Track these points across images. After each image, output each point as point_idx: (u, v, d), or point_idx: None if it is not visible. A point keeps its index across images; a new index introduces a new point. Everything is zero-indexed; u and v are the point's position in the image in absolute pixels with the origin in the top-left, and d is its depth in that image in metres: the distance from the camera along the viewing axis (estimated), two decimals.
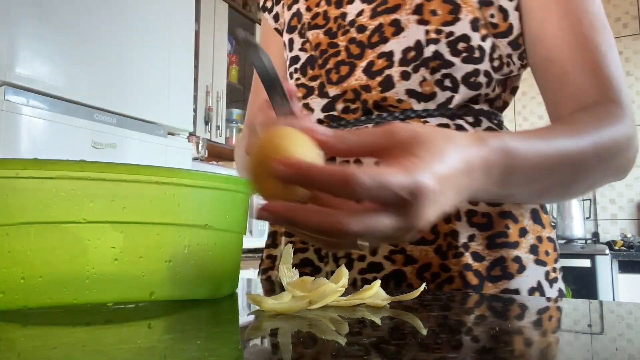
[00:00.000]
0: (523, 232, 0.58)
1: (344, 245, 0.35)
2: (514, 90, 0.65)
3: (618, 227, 3.30)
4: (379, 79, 0.59)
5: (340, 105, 0.62)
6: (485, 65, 0.58)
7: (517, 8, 0.58)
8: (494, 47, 0.59)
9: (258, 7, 3.15)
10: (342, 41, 0.63)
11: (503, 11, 0.58)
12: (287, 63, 0.70)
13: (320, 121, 0.65)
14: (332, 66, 0.63)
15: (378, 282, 0.43)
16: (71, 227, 0.37)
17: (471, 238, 0.56)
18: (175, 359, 0.25)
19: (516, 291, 0.55)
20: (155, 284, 0.40)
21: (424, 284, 0.46)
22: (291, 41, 0.69)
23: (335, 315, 0.36)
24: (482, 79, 0.58)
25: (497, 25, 0.58)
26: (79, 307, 0.38)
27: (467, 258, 0.55)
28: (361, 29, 0.61)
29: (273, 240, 0.70)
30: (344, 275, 0.41)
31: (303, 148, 0.32)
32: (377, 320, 0.34)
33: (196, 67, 2.52)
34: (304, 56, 0.67)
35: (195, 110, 2.50)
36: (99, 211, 0.38)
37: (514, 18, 0.58)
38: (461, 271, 0.54)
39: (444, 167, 0.34)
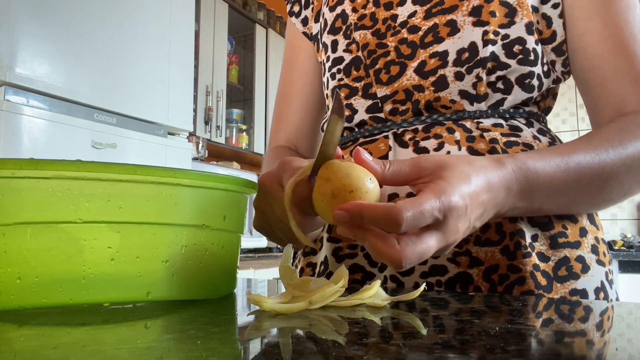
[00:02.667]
0: (583, 232, 0.57)
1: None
2: (555, 97, 0.65)
3: (618, 227, 3.30)
4: (432, 78, 0.59)
5: (388, 107, 0.61)
6: (538, 69, 0.58)
7: (561, 15, 0.59)
8: (543, 52, 0.59)
9: (258, 8, 3.15)
10: (391, 42, 0.62)
11: (546, 18, 0.59)
12: (328, 64, 0.69)
13: (364, 122, 0.64)
14: (381, 66, 0.62)
15: (378, 282, 0.43)
16: (67, 227, 0.37)
17: (535, 238, 0.54)
18: (177, 359, 0.25)
19: (583, 291, 0.54)
20: (152, 284, 0.40)
21: (424, 285, 0.45)
22: (335, 42, 0.68)
23: (335, 315, 0.36)
24: (535, 81, 0.58)
25: (541, 31, 0.59)
26: (75, 308, 0.38)
27: (535, 258, 0.53)
28: (414, 29, 0.61)
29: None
30: (344, 276, 0.41)
31: (362, 182, 0.38)
32: (377, 320, 0.34)
33: (196, 67, 2.52)
34: (348, 57, 0.66)
35: (195, 110, 2.51)
36: (95, 211, 0.38)
37: (557, 25, 0.59)
38: (532, 271, 0.52)
39: (469, 186, 0.39)
